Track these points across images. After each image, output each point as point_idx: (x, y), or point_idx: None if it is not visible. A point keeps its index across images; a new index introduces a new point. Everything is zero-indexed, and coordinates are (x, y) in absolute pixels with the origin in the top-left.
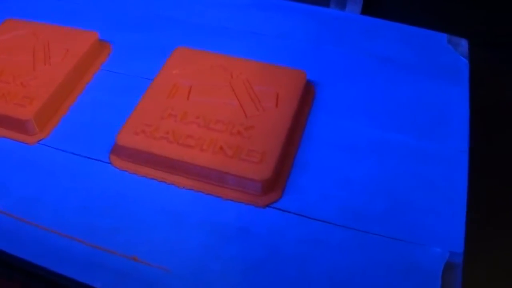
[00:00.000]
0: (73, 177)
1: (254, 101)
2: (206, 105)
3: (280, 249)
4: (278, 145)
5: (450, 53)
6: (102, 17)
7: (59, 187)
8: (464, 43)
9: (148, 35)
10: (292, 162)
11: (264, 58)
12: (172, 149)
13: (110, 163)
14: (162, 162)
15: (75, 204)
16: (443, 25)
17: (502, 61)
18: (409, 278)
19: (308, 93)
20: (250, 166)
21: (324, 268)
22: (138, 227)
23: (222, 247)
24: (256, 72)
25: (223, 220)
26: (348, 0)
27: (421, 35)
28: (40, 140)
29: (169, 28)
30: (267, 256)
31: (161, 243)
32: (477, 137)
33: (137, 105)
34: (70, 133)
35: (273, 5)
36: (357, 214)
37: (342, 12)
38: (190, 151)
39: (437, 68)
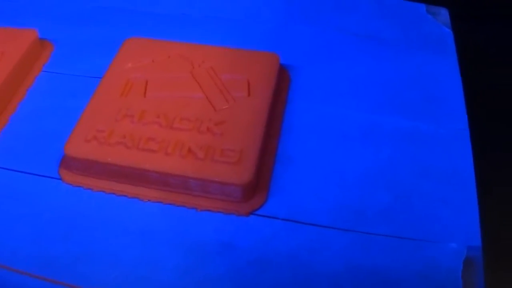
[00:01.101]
0: (18, 200)
1: (223, 91)
2: (167, 102)
3: (272, 263)
4: (257, 140)
5: (432, 24)
6: (39, 13)
7: (2, 213)
8: (444, 12)
9: (93, 29)
10: (274, 159)
11: (228, 43)
12: (131, 156)
13: (60, 178)
14: (121, 172)
15: (24, 232)
16: None
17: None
18: (425, 281)
19: (283, 79)
20: (227, 168)
21: (325, 280)
22: (101, 253)
23: (203, 268)
24: (221, 59)
25: (201, 235)
26: None
27: (397, 6)
28: None
29: (116, 19)
30: (257, 272)
31: (130, 270)
32: (474, 113)
33: (86, 108)
34: (11, 147)
35: None
36: (357, 213)
37: None
38: (153, 156)
39: (420, 40)
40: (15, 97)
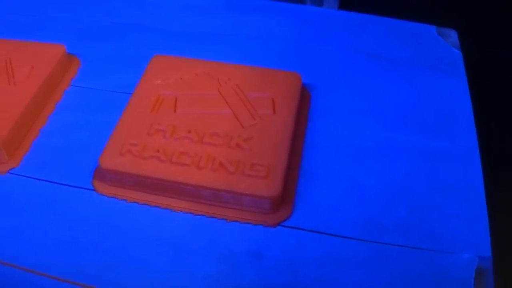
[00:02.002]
0: (52, 209)
1: (249, 109)
2: (196, 117)
3: (298, 271)
4: (284, 155)
5: (442, 45)
6: (66, 29)
7: (37, 222)
8: (453, 34)
9: (118, 45)
10: (298, 174)
11: (249, 61)
12: (165, 169)
13: (94, 189)
14: (154, 184)
15: (58, 240)
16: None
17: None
18: None
19: (304, 97)
20: (256, 182)
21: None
22: (132, 262)
23: (234, 276)
24: (246, 77)
25: (231, 244)
26: None
27: (409, 28)
28: (11, 169)
29: (140, 37)
30: (284, 280)
31: (161, 279)
32: (483, 130)
33: (119, 122)
34: (44, 159)
35: (249, 5)
36: (376, 225)
37: (323, 8)
38: (186, 170)
39: (431, 61)
40: (44, 111)
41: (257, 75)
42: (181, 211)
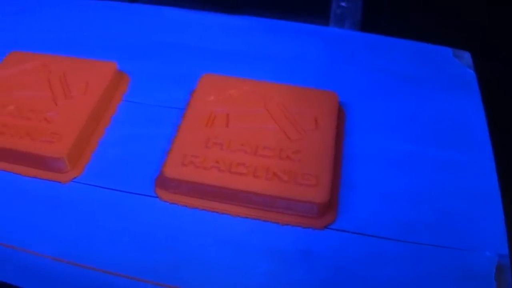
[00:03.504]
0: (119, 214)
1: (294, 124)
2: (248, 132)
3: (343, 268)
4: (329, 166)
5: (457, 66)
6: (113, 47)
7: (107, 226)
8: (467, 56)
9: (164, 63)
10: (339, 183)
11: (286, 80)
12: (225, 178)
13: (157, 197)
14: (214, 192)
15: (129, 243)
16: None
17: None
18: (465, 284)
19: (340, 114)
20: (307, 189)
21: (385, 282)
22: (198, 261)
23: (288, 272)
24: (288, 95)
25: (284, 245)
26: (347, 19)
27: (428, 50)
28: (74, 178)
29: (185, 55)
30: (331, 276)
31: (224, 275)
32: (497, 143)
33: (177, 136)
34: (105, 168)
35: (283, 27)
36: (407, 227)
37: (350, 31)
38: (243, 178)
39: (449, 81)
40: (101, 124)
41: (298, 93)
42: (238, 216)
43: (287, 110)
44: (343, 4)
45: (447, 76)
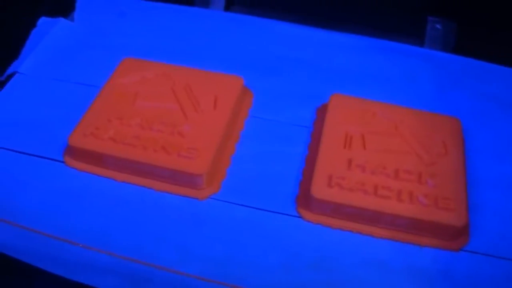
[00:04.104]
0: (261, 233)
1: (426, 148)
2: (385, 155)
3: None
4: (463, 190)
5: None
6: (235, 61)
7: (249, 244)
8: None
9: (286, 79)
10: (468, 206)
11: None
12: (371, 200)
13: (299, 216)
14: (358, 213)
15: (273, 262)
16: None
17: None
18: None
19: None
20: (447, 213)
21: None
22: (345, 280)
23: None
24: (415, 119)
25: (425, 265)
26: (441, 41)
27: None
28: (212, 194)
29: (305, 72)
30: None
31: None
32: None
33: (319, 156)
34: (241, 185)
35: (394, 48)
36: None
37: (455, 55)
38: (388, 202)
39: None
40: (232, 139)
41: (424, 118)
42: (381, 237)
43: (418, 134)
44: (438, 26)
45: None
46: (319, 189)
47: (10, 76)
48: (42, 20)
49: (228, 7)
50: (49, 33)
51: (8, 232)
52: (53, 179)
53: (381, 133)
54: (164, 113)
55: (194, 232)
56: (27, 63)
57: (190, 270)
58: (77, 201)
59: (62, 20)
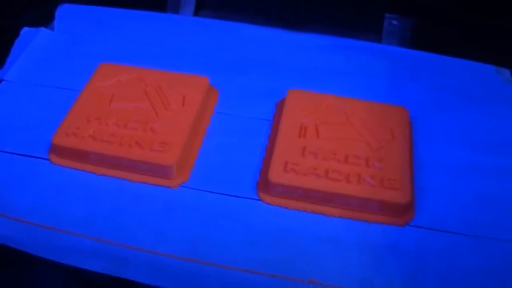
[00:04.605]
0: (227, 215)
1: (375, 136)
2: (336, 142)
3: (424, 261)
4: (409, 172)
5: (501, 82)
6: (201, 62)
7: (217, 226)
8: (507, 72)
9: (247, 78)
10: (413, 186)
11: (358, 95)
12: (322, 183)
13: (259, 199)
14: (311, 195)
15: (239, 240)
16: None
17: None
18: None
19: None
20: (393, 192)
21: (457, 270)
22: (302, 255)
23: (378, 263)
24: (366, 111)
25: (374, 240)
26: (397, 36)
27: (476, 68)
28: (182, 183)
29: (265, 71)
30: (413, 266)
31: (325, 267)
32: None
33: (276, 145)
34: (209, 174)
35: (352, 45)
36: (472, 223)
37: (411, 50)
38: (338, 184)
39: (495, 96)
40: (200, 134)
41: (374, 108)
42: (333, 215)
43: (367, 123)
44: (394, 22)
45: (494, 91)
46: (276, 174)
47: None
48: (25, 30)
49: (197, 11)
50: (31, 42)
51: (2, 224)
52: (40, 175)
53: (333, 123)
54: (138, 112)
55: (167, 216)
56: (12, 71)
57: (164, 250)
58: (62, 194)
59: (43, 30)
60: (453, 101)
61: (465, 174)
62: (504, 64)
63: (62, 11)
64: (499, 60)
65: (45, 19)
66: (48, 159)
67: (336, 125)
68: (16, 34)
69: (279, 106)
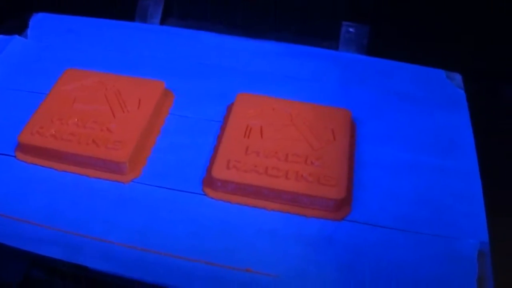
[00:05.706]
0: (174, 209)
1: (316, 136)
2: (279, 142)
3: (358, 252)
4: (345, 170)
5: (450, 86)
6: (157, 67)
7: (164, 218)
8: (458, 77)
9: (204, 83)
10: (353, 184)
11: (307, 99)
12: (262, 179)
13: (204, 194)
14: (253, 190)
15: (184, 232)
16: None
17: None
18: (453, 265)
19: (353, 127)
20: (328, 188)
21: (392, 263)
22: (242, 246)
23: (315, 254)
24: (310, 112)
25: (310, 233)
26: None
27: (424, 72)
28: (134, 178)
29: (222, 76)
30: (350, 258)
31: (264, 257)
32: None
33: (221, 145)
34: (159, 171)
35: (304, 52)
36: (408, 219)
37: (361, 56)
38: (277, 180)
39: (442, 99)
40: (153, 133)
41: (318, 110)
42: (272, 210)
43: (310, 124)
44: (351, 29)
45: (441, 95)
46: (218, 171)
47: None
48: (0, 38)
49: (163, 21)
50: (5, 49)
51: None
52: (7, 171)
53: (277, 125)
54: (97, 113)
55: (119, 209)
56: None
57: (116, 239)
58: (26, 188)
59: (16, 37)
60: (398, 104)
61: (403, 173)
62: (463, 71)
63: (35, 20)
64: (459, 67)
65: (21, 27)
66: (14, 156)
67: (280, 126)
68: None
69: (229, 109)
